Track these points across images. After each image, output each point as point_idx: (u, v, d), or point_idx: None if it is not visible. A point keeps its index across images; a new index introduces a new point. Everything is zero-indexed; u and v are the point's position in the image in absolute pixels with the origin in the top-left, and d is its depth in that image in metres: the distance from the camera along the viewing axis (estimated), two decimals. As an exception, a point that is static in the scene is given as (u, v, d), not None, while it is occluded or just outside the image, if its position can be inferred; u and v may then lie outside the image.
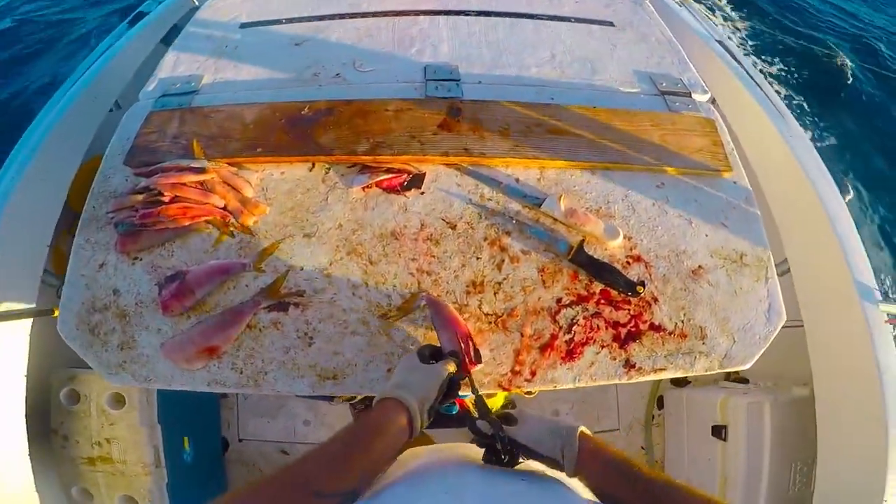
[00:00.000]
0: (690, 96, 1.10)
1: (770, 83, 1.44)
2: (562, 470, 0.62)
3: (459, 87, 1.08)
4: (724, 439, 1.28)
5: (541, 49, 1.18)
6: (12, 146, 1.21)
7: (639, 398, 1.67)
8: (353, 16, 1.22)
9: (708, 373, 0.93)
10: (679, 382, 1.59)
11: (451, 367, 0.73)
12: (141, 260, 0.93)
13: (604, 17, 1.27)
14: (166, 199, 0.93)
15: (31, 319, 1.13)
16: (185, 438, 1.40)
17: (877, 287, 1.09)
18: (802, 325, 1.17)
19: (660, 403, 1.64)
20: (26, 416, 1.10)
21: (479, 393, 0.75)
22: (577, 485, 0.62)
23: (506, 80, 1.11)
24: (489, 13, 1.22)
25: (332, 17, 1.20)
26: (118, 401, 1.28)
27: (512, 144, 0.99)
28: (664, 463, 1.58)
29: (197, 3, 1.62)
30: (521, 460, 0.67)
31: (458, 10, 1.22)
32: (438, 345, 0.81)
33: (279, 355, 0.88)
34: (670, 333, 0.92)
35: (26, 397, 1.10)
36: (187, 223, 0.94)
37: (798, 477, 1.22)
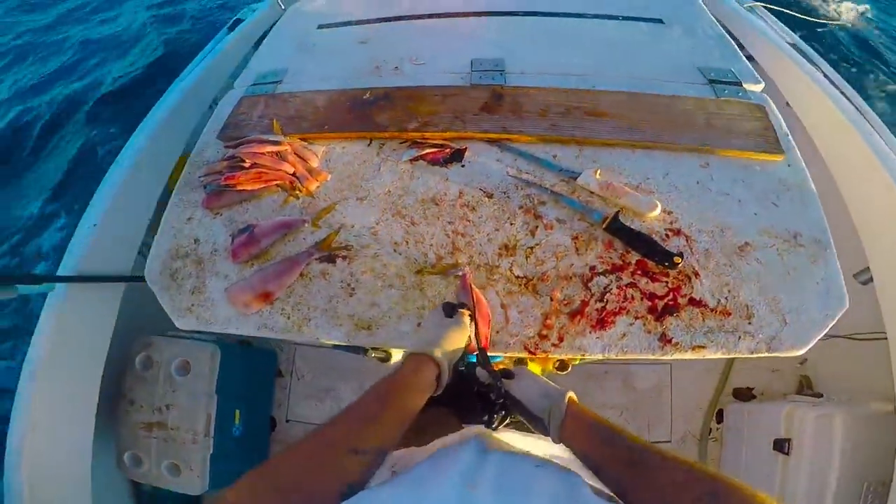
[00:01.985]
0: (741, 85, 0.95)
1: (852, 88, 1.19)
2: (547, 431, 0.55)
3: (503, 76, 1.02)
4: (787, 453, 1.01)
5: (587, 45, 1.09)
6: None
7: (695, 409, 1.39)
8: (410, 17, 1.22)
9: (754, 356, 0.73)
10: (743, 396, 1.30)
11: (466, 318, 0.65)
12: (221, 215, 0.94)
13: (653, 14, 1.14)
14: (247, 165, 0.94)
15: (124, 286, 1.13)
16: (237, 412, 1.32)
17: None
18: (886, 338, 0.91)
19: (719, 417, 1.34)
20: (103, 377, 1.07)
21: (484, 346, 0.65)
22: (586, 474, 0.51)
23: (549, 69, 1.03)
24: (537, 13, 1.16)
25: (394, 18, 1.22)
26: (184, 368, 1.24)
27: (549, 124, 0.90)
28: None
29: (284, 8, 1.65)
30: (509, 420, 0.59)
31: (507, 10, 1.17)
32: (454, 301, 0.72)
33: (323, 303, 0.83)
34: (712, 310, 0.74)
35: (107, 359, 1.09)
36: (262, 186, 0.93)
37: (870, 497, 0.92)
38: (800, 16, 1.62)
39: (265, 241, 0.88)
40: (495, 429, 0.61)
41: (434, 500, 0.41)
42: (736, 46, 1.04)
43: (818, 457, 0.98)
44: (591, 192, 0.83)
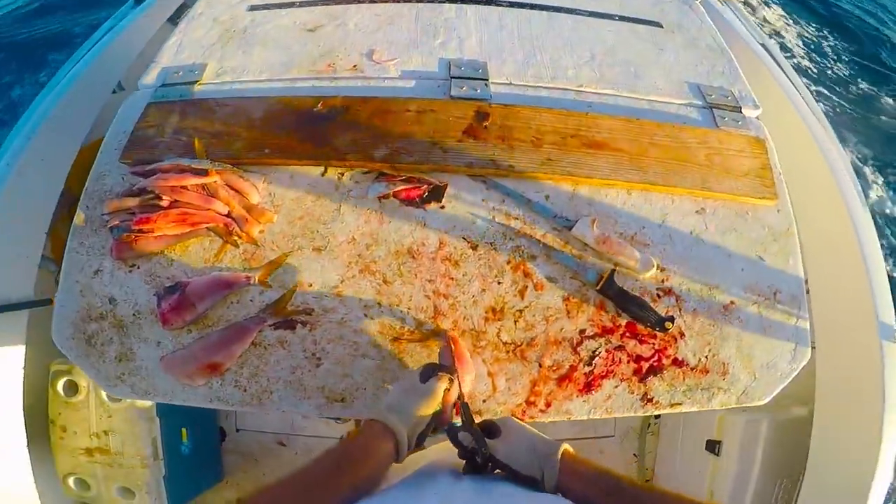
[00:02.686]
0: (741, 111, 0.85)
1: (812, 90, 1.15)
2: (542, 490, 0.52)
3: (487, 88, 0.83)
4: (717, 454, 1.13)
5: (579, 48, 0.91)
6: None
7: None
8: (372, 0, 0.93)
9: (722, 408, 0.76)
10: None
11: (444, 382, 0.60)
12: (138, 268, 0.73)
13: (651, 16, 0.98)
14: (165, 203, 0.72)
15: (27, 309, 0.95)
16: (184, 430, 1.23)
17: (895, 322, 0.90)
18: (813, 347, 0.98)
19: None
20: (24, 406, 0.95)
21: (466, 402, 0.61)
22: None
23: (539, 81, 0.85)
24: (523, 4, 0.93)
25: (349, 0, 0.91)
26: None
27: (544, 157, 0.76)
28: (654, 470, 1.44)
29: None
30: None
31: None
32: (437, 363, 0.66)
33: (285, 375, 0.71)
34: (692, 368, 0.74)
35: (24, 387, 0.95)
36: (188, 230, 0.73)
37: (781, 493, 1.08)
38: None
39: (201, 305, 0.71)
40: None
41: None
42: (736, 62, 0.92)
43: (743, 458, 1.11)
44: (586, 245, 0.75)
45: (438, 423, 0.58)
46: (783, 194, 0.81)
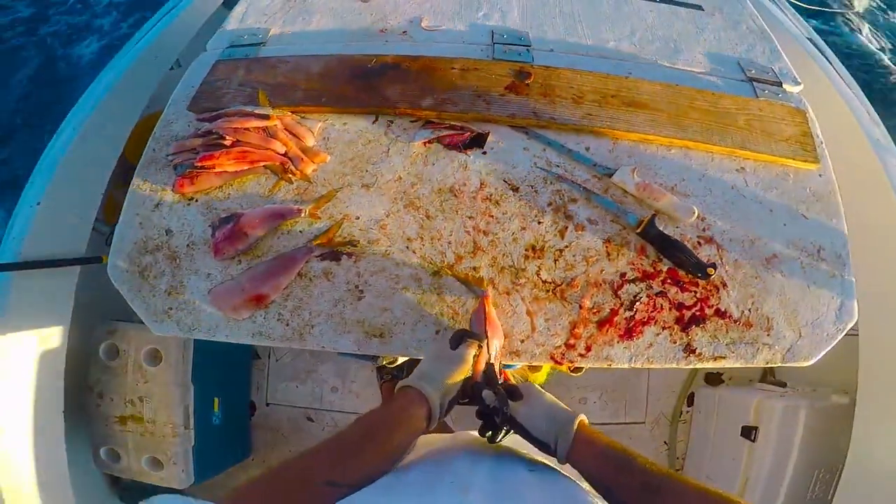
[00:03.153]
0: (781, 86, 0.87)
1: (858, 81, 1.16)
2: (553, 455, 0.53)
3: (529, 53, 0.88)
4: (754, 440, 1.07)
5: (620, 25, 0.96)
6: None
7: (669, 393, 1.44)
8: None
9: (768, 365, 0.73)
10: (713, 381, 1.36)
11: (474, 349, 0.60)
12: (196, 201, 0.77)
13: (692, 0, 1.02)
14: (228, 142, 0.77)
15: (78, 268, 0.98)
16: (216, 400, 1.23)
17: None
18: (856, 334, 0.94)
19: (690, 400, 1.40)
20: (65, 370, 0.95)
21: (492, 362, 0.60)
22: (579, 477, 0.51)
23: (580, 50, 0.90)
24: None
25: None
26: (155, 357, 1.11)
27: (584, 113, 0.79)
28: (685, 459, 1.36)
29: None
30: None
31: None
32: (468, 329, 0.65)
33: (327, 308, 0.71)
34: (735, 321, 0.72)
35: (67, 351, 0.96)
36: (247, 167, 0.77)
37: (819, 484, 1.00)
38: (812, 7, 1.55)
39: (253, 235, 0.73)
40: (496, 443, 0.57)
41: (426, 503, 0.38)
42: (777, 44, 0.95)
43: (780, 445, 1.05)
44: (626, 193, 0.76)
45: (468, 390, 0.57)
46: (825, 160, 0.81)
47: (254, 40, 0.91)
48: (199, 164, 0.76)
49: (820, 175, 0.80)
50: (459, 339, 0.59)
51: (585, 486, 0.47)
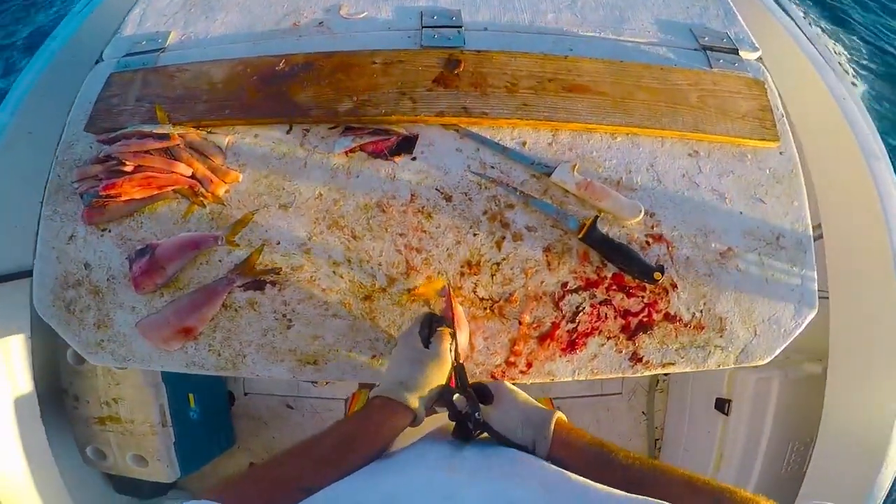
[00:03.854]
0: (737, 53, 0.77)
1: (821, 38, 1.03)
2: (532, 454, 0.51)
3: (461, 36, 0.77)
4: (727, 413, 1.05)
5: None
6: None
7: None
8: None
9: (720, 367, 0.69)
10: None
11: (448, 340, 0.56)
12: (110, 231, 0.71)
13: None
14: (129, 168, 0.70)
15: (30, 278, 0.95)
16: (191, 396, 1.22)
17: None
18: (827, 297, 0.89)
19: None
20: (35, 377, 0.95)
21: (461, 363, 0.57)
22: None
23: (517, 27, 0.79)
24: None
25: None
26: None
27: (520, 103, 0.70)
28: (663, 429, 1.36)
29: None
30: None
31: None
32: (434, 313, 0.62)
33: (257, 338, 0.67)
34: (686, 324, 0.67)
35: (34, 358, 0.95)
36: (154, 193, 0.70)
37: (793, 457, 1.00)
38: None
39: (171, 267, 0.68)
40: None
41: (415, 485, 0.37)
42: (733, 6, 0.83)
43: (754, 418, 1.03)
44: (567, 192, 0.68)
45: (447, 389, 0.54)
46: (786, 136, 0.72)
47: (152, 46, 0.81)
48: (104, 193, 0.70)
49: (781, 153, 0.72)
50: (427, 332, 0.56)
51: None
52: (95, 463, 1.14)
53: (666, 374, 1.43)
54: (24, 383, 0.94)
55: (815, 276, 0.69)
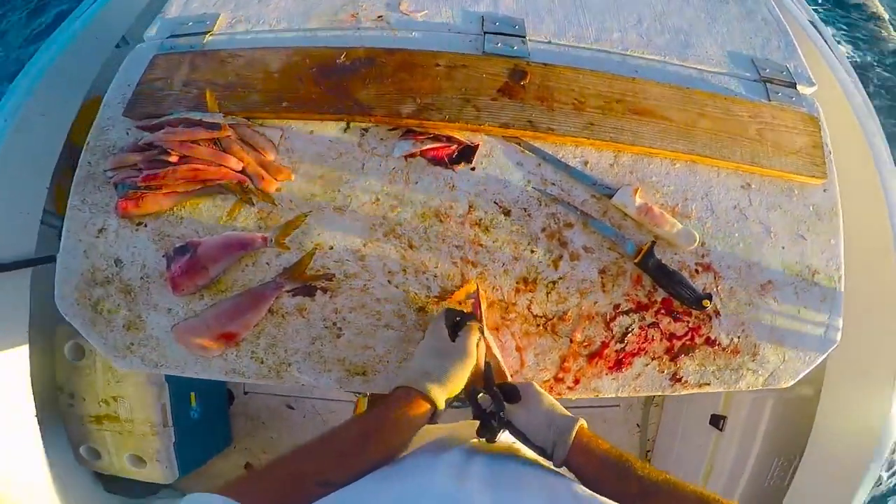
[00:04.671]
0: (795, 87, 0.78)
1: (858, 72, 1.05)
2: (549, 459, 0.51)
3: (525, 46, 0.74)
4: (721, 430, 1.11)
5: (626, 11, 0.81)
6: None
7: None
8: None
9: (748, 389, 0.72)
10: None
11: (476, 335, 0.56)
12: (146, 226, 0.66)
13: None
14: (173, 158, 0.64)
15: (30, 270, 0.88)
16: (192, 395, 1.18)
17: None
18: None
19: None
20: (31, 373, 0.89)
21: (489, 361, 0.58)
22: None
23: (581, 42, 0.76)
24: None
25: None
26: None
27: (586, 122, 0.68)
28: (655, 441, 1.42)
29: None
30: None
31: None
32: (456, 308, 0.62)
33: (304, 346, 0.65)
34: (724, 349, 0.70)
35: (31, 353, 0.89)
36: (198, 187, 0.65)
37: (777, 472, 1.07)
38: None
39: (214, 269, 0.64)
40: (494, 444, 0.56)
41: (426, 493, 0.37)
42: (793, 37, 0.83)
43: (746, 434, 1.09)
44: (626, 215, 0.68)
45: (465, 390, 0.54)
46: (832, 174, 0.75)
47: (199, 28, 0.74)
48: (143, 184, 0.64)
49: (824, 190, 0.74)
50: (456, 325, 0.56)
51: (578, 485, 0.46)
52: (88, 462, 1.09)
53: (664, 390, 1.49)
54: (20, 378, 0.89)
55: (841, 313, 0.72)
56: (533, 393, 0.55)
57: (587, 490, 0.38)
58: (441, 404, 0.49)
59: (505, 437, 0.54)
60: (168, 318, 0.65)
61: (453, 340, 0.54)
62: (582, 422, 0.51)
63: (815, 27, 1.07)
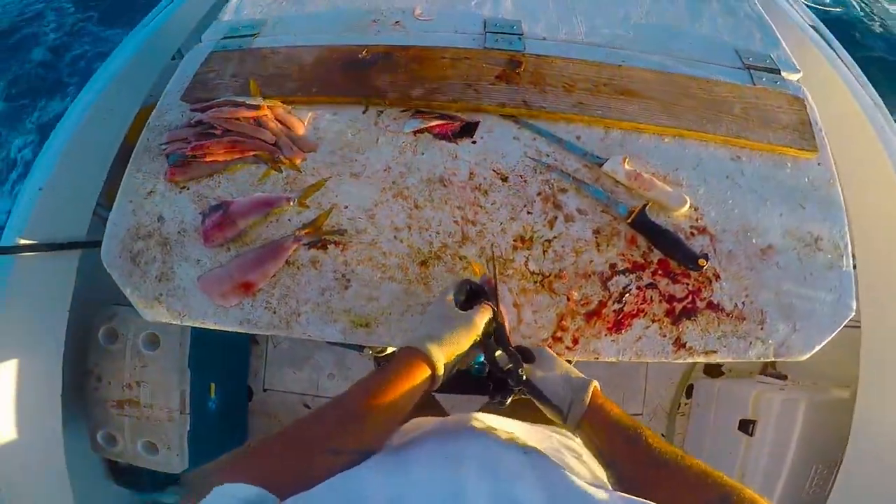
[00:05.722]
0: (780, 73, 0.83)
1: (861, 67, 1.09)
2: (563, 419, 0.52)
3: (521, 42, 0.85)
4: (751, 434, 1.03)
5: (614, 10, 0.92)
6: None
7: (668, 384, 1.39)
8: None
9: (760, 360, 0.69)
10: (713, 373, 1.31)
11: (487, 314, 0.56)
12: (188, 189, 0.76)
13: None
14: (219, 132, 0.75)
15: (79, 252, 0.97)
16: (212, 385, 1.21)
17: None
18: (858, 326, 0.89)
19: (689, 392, 1.35)
20: (65, 354, 0.95)
21: (502, 322, 0.57)
22: (574, 463, 0.51)
23: (573, 38, 0.87)
24: None
25: None
26: (153, 342, 1.10)
27: (576, 101, 0.76)
28: (682, 449, 1.31)
29: None
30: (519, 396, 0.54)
31: None
32: (476, 280, 0.62)
33: (314, 296, 0.70)
34: (728, 314, 0.69)
35: (67, 334, 0.95)
36: (237, 157, 0.75)
37: (817, 479, 0.96)
38: None
39: (242, 222, 0.72)
40: (506, 406, 0.55)
41: (421, 482, 0.37)
42: (776, 31, 0.90)
43: (779, 439, 1.01)
44: (617, 182, 0.72)
45: (482, 349, 0.55)
46: (825, 149, 0.76)
47: (248, 31, 0.90)
48: (191, 153, 0.75)
49: (819, 164, 0.76)
50: (467, 295, 0.57)
51: (576, 476, 0.45)
52: (104, 449, 1.11)
53: (689, 397, 1.39)
54: (53, 358, 0.93)
55: (853, 280, 0.70)
56: (547, 354, 0.56)
57: (583, 483, 0.38)
58: (440, 365, 0.49)
59: (498, 423, 0.53)
60: (196, 269, 0.71)
61: (464, 310, 0.55)
62: (596, 383, 0.52)
63: (814, 28, 1.12)
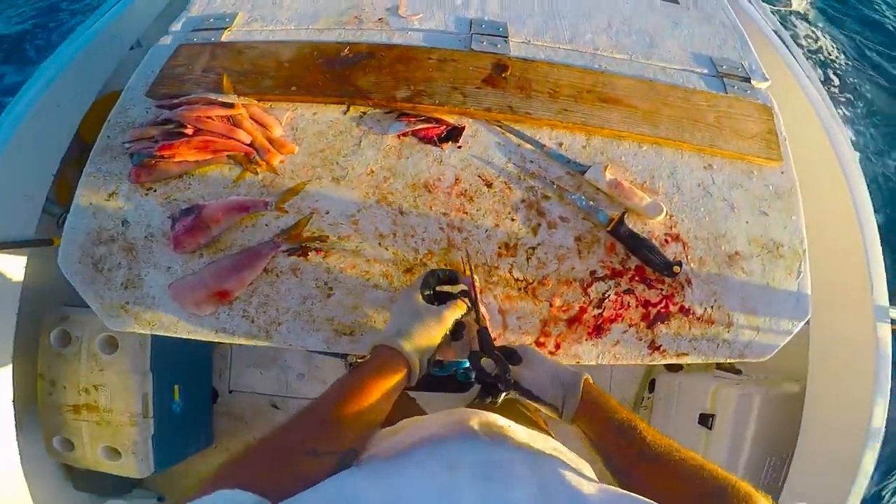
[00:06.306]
0: (750, 81, 0.87)
1: (820, 73, 1.16)
2: (559, 416, 0.52)
3: (507, 45, 0.84)
4: (710, 428, 1.09)
5: (598, 16, 0.93)
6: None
7: (631, 379, 1.45)
8: None
9: (726, 360, 0.74)
10: (673, 368, 1.38)
11: (461, 309, 0.56)
12: (155, 191, 0.71)
13: None
14: (189, 131, 0.70)
15: (27, 252, 0.90)
16: (176, 388, 1.15)
17: (888, 304, 0.89)
18: (807, 322, 0.96)
19: (651, 387, 1.42)
20: (13, 357, 0.89)
21: (486, 326, 0.58)
22: (572, 458, 0.51)
23: (557, 43, 0.87)
24: None
25: None
26: (111, 345, 1.04)
27: (560, 108, 0.76)
28: None
29: None
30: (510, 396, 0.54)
31: None
32: (447, 270, 0.63)
33: (295, 305, 0.67)
34: (698, 318, 0.72)
35: (15, 337, 0.89)
36: (209, 157, 0.71)
37: (770, 472, 1.04)
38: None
39: (216, 228, 0.68)
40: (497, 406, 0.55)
41: (415, 484, 0.37)
42: (748, 39, 0.94)
43: (736, 433, 1.07)
44: (598, 190, 0.74)
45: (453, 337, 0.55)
46: (787, 158, 0.81)
47: (219, 24, 0.84)
48: (158, 154, 0.70)
49: (782, 172, 0.80)
50: (434, 287, 0.56)
51: (569, 467, 0.46)
52: (61, 454, 1.05)
53: (651, 391, 1.47)
54: (2, 362, 0.87)
55: (809, 286, 0.75)
56: (532, 353, 0.56)
57: (575, 476, 0.39)
58: (414, 361, 0.49)
59: (492, 420, 0.53)
60: (166, 276, 0.67)
61: (434, 305, 0.55)
62: (587, 375, 0.52)
63: (776, 33, 1.18)
